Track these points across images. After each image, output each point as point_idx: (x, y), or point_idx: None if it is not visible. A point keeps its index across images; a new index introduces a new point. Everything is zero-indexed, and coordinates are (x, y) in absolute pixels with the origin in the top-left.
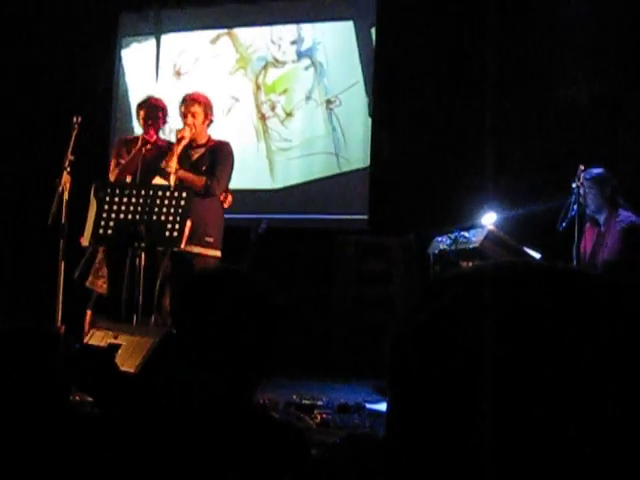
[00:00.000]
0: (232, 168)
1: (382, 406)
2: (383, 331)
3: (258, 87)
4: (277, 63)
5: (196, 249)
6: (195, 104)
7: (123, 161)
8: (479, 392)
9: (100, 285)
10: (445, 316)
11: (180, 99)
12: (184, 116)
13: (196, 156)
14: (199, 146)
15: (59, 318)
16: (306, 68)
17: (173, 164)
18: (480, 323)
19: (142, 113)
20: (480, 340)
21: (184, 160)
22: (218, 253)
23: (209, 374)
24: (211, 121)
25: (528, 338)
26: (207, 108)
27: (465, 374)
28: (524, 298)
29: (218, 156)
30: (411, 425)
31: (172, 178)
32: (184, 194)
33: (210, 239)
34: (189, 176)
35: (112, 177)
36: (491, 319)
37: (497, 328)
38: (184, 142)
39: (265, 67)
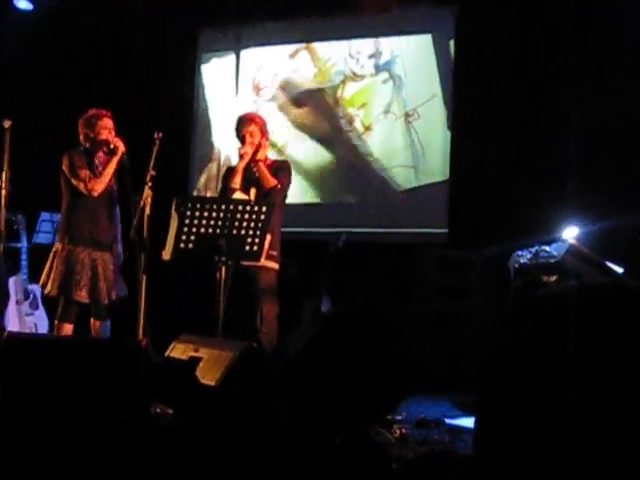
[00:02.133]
0: (289, 184)
1: (462, 421)
2: (462, 346)
3: (336, 102)
4: (355, 77)
5: (260, 262)
6: (252, 124)
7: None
8: (561, 413)
9: (83, 295)
10: (532, 342)
11: (236, 120)
12: (242, 136)
13: (258, 174)
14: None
15: (141, 331)
16: (384, 81)
17: (238, 180)
18: (565, 348)
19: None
20: (566, 365)
21: (247, 178)
22: (277, 266)
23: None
24: (268, 139)
25: (610, 362)
26: (263, 127)
27: (549, 396)
28: (606, 326)
29: (279, 172)
30: (499, 444)
31: (252, 193)
32: (264, 208)
33: (274, 252)
34: (265, 172)
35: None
36: (575, 345)
37: (581, 354)
38: (247, 159)
39: (344, 81)
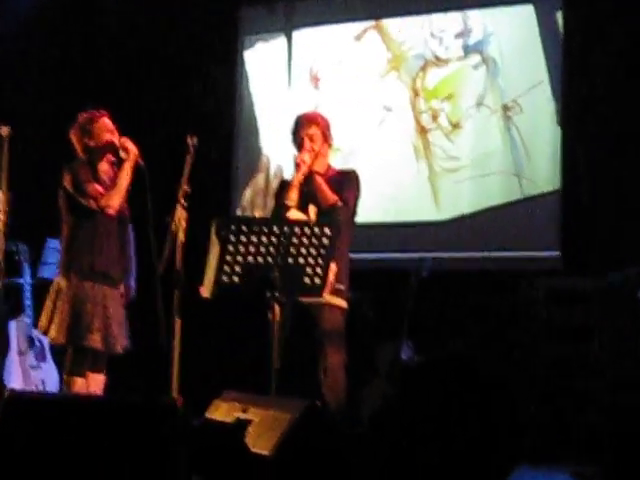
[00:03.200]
0: (356, 200)
1: None
2: (582, 401)
3: (416, 93)
4: (439, 62)
5: (323, 298)
6: (312, 125)
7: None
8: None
9: (96, 340)
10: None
11: (294, 121)
12: (300, 140)
13: (314, 188)
14: (319, 176)
15: (175, 387)
16: (476, 67)
17: (294, 195)
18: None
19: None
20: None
21: (306, 193)
22: (345, 304)
23: None
24: (330, 145)
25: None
26: (326, 130)
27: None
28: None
29: (344, 185)
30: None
31: (311, 211)
32: (327, 231)
33: (341, 286)
34: (322, 185)
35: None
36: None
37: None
38: (304, 169)
39: (424, 67)
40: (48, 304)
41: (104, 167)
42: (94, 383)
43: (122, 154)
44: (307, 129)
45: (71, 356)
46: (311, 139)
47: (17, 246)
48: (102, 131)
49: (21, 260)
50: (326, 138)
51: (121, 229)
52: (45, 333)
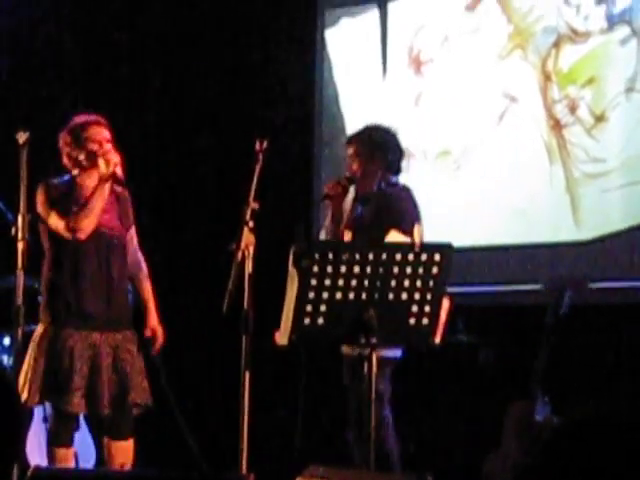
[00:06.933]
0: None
1: None
2: None
3: (547, 77)
4: (576, 36)
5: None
6: (351, 146)
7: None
8: None
9: (79, 404)
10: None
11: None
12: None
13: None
14: (365, 199)
15: (245, 462)
16: (623, 42)
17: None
18: None
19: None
20: None
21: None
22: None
23: None
24: (388, 164)
25: None
26: (372, 146)
27: None
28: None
29: (391, 207)
30: None
31: (416, 232)
32: (437, 257)
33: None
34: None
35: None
36: None
37: None
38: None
39: (557, 44)
40: (26, 359)
41: (91, 183)
42: (120, 453)
43: (102, 166)
44: (347, 146)
45: (53, 422)
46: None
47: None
48: (90, 141)
49: None
50: (372, 155)
51: (118, 259)
52: (20, 393)
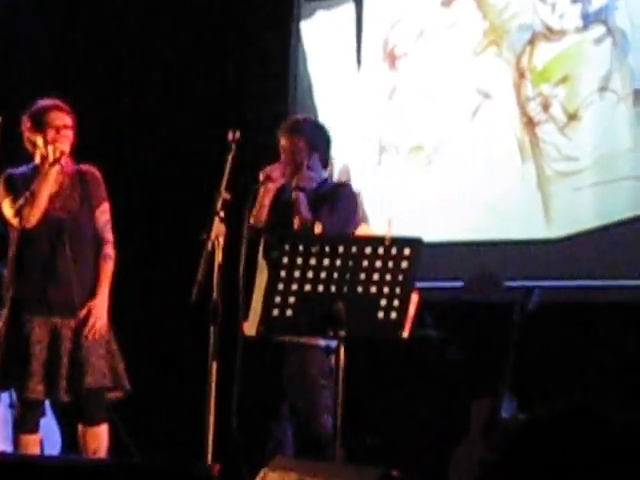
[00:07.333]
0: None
1: None
2: None
3: (521, 74)
4: (551, 34)
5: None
6: (293, 133)
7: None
8: None
9: (39, 390)
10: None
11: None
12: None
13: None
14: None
15: (210, 451)
16: (598, 41)
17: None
18: None
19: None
20: None
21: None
22: (322, 342)
23: None
24: (323, 157)
25: None
26: (313, 136)
27: None
28: None
29: (334, 201)
30: None
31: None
32: (407, 251)
33: None
34: (302, 204)
35: None
36: None
37: None
38: (275, 185)
39: (532, 42)
40: None
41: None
42: (92, 439)
43: (49, 153)
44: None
45: (17, 408)
46: (283, 151)
47: None
48: (50, 127)
49: None
50: (312, 147)
51: (80, 245)
52: None
